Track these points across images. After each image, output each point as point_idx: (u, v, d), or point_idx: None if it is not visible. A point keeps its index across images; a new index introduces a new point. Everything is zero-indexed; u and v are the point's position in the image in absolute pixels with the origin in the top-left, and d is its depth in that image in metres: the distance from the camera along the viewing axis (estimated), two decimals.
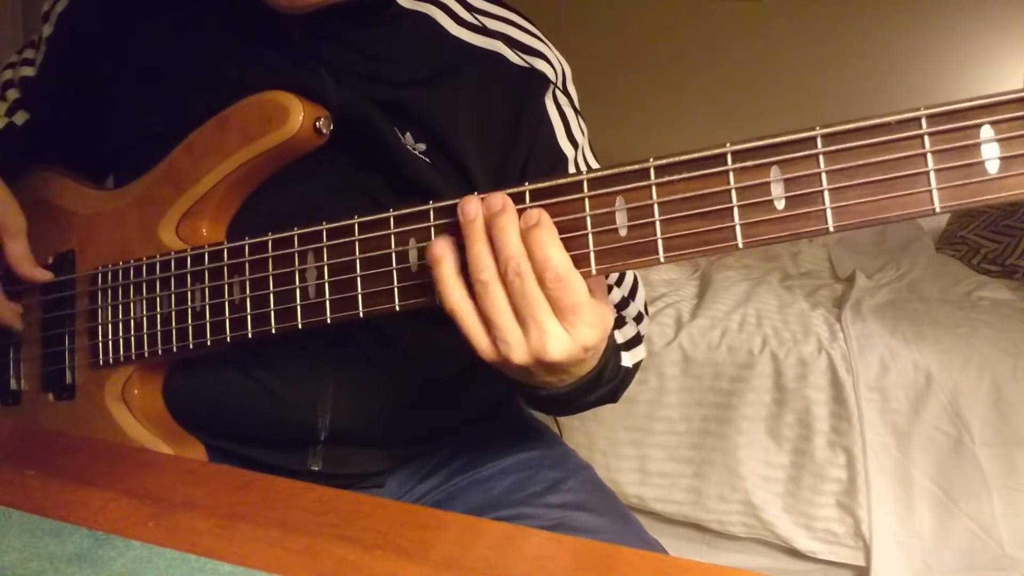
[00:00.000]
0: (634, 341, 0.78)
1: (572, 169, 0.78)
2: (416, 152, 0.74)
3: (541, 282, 0.53)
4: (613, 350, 0.71)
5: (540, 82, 0.77)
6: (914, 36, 2.82)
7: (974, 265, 2.30)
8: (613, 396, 0.75)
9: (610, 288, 0.77)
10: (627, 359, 0.76)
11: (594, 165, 0.82)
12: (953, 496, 1.66)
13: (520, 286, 0.53)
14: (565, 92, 0.80)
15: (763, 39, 2.97)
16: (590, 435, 1.81)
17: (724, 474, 1.75)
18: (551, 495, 0.77)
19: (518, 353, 0.54)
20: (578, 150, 0.79)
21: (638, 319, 0.80)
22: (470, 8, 0.77)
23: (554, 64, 0.78)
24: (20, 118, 0.86)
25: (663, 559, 0.51)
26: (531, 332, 0.54)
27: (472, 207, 0.55)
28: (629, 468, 1.80)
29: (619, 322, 0.78)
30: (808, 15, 2.92)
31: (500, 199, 0.54)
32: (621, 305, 0.78)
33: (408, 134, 0.74)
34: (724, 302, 1.92)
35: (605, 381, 0.68)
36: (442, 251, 0.55)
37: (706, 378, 1.77)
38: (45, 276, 0.78)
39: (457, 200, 0.56)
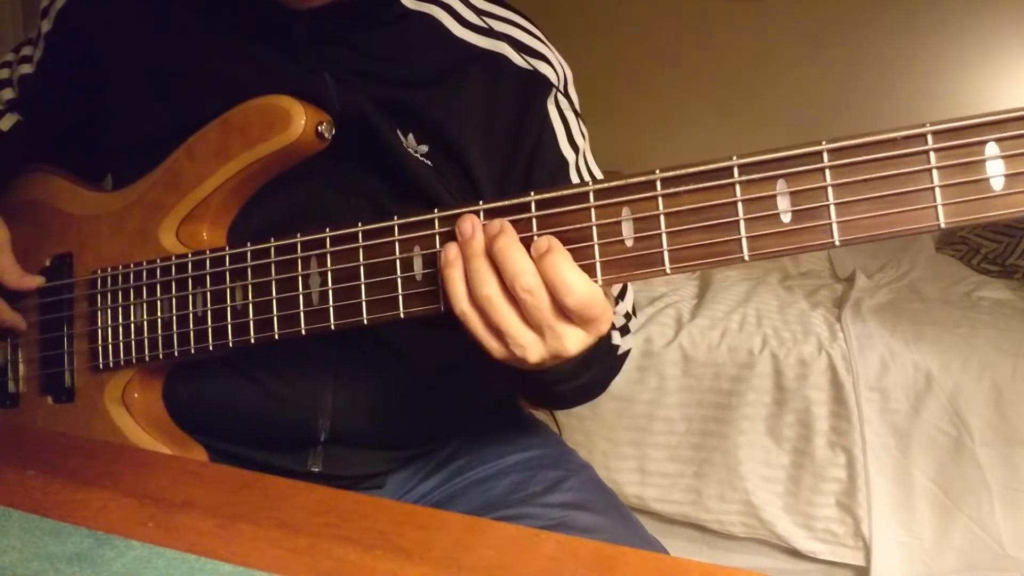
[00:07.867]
0: (624, 329, 0.79)
1: (573, 174, 0.78)
2: (418, 155, 0.74)
3: (563, 308, 0.53)
4: None
5: (543, 85, 0.76)
6: (914, 36, 2.82)
7: (974, 265, 2.30)
8: (604, 382, 0.76)
9: None
10: (616, 338, 0.76)
11: (595, 170, 0.82)
12: (953, 496, 1.66)
13: (533, 302, 0.53)
14: (566, 95, 0.79)
15: (763, 39, 2.97)
16: (590, 435, 1.81)
17: (724, 474, 1.75)
18: (551, 495, 0.77)
19: (535, 354, 0.55)
20: (579, 155, 0.79)
21: (626, 317, 0.80)
22: (473, 9, 0.77)
23: (556, 67, 0.78)
24: (8, 122, 0.85)
25: (663, 559, 0.51)
26: (547, 337, 0.55)
27: (468, 225, 0.56)
28: (629, 468, 1.80)
29: None
30: (808, 15, 2.91)
31: (497, 224, 0.55)
32: None
33: (411, 136, 0.73)
34: (724, 302, 1.92)
35: (597, 360, 0.69)
36: (456, 255, 0.56)
37: (706, 378, 1.77)
38: (35, 282, 0.78)
39: (462, 208, 0.57)
